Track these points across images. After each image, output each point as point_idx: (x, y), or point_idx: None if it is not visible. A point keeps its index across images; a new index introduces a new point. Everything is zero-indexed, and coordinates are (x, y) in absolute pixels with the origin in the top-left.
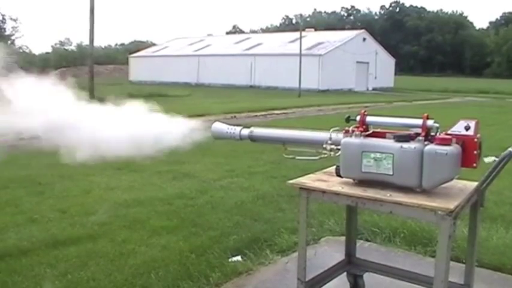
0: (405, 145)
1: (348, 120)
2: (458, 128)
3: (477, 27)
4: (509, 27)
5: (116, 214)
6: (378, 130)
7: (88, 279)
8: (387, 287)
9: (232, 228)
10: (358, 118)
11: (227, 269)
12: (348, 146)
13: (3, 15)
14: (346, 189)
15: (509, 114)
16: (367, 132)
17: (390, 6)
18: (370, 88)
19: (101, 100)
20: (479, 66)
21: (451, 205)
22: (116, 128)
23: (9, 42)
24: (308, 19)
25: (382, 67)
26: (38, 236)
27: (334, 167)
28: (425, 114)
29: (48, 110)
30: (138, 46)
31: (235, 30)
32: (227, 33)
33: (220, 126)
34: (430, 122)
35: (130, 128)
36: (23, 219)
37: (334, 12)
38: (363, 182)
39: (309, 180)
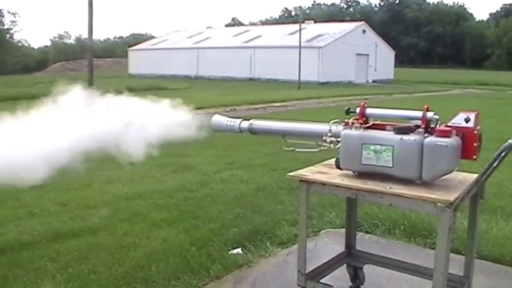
0: (405, 137)
1: (347, 112)
2: (458, 120)
3: (477, 19)
4: (510, 19)
5: (116, 207)
6: (378, 122)
7: (89, 272)
8: (387, 278)
9: (232, 221)
10: (358, 110)
11: (227, 261)
12: (348, 138)
13: (1, 10)
14: (346, 182)
15: (509, 106)
16: (367, 125)
17: None
18: (370, 80)
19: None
20: (480, 58)
21: (451, 197)
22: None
23: (7, 36)
24: (307, 11)
25: (382, 59)
26: (38, 229)
27: (334, 159)
28: (425, 106)
29: None
30: (137, 39)
31: (235, 23)
32: (226, 25)
33: (220, 119)
34: (430, 114)
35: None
36: (24, 212)
37: (333, 4)
38: (362, 174)
39: (309, 173)
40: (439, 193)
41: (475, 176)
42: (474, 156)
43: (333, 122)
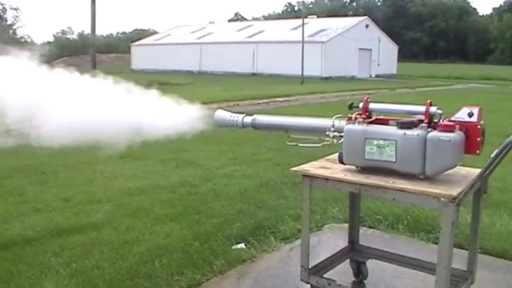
0: (408, 132)
1: (350, 107)
2: (462, 115)
3: (480, 14)
4: None
5: (120, 202)
6: (381, 117)
7: (92, 268)
8: (390, 273)
9: (235, 216)
10: (361, 105)
11: (231, 256)
12: (351, 133)
13: (3, 5)
14: (349, 176)
15: None
16: (370, 119)
17: None
18: (373, 75)
19: None
20: (483, 53)
21: (454, 192)
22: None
23: (10, 31)
24: (310, 6)
25: (385, 54)
26: (42, 224)
27: (337, 154)
28: (429, 101)
29: None
30: (140, 34)
31: (237, 18)
32: (229, 20)
33: (222, 114)
34: (433, 109)
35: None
36: (27, 208)
37: None
38: (366, 169)
39: (312, 168)
40: (442, 188)
41: (479, 170)
42: (477, 151)
43: (336, 117)
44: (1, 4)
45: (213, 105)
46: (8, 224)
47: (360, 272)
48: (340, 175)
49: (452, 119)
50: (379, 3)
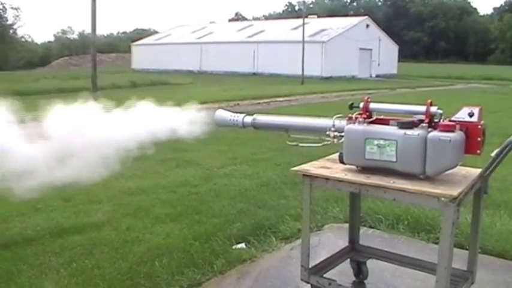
0: (409, 132)
1: (351, 107)
2: (462, 115)
3: (481, 14)
4: None
5: (120, 202)
6: (382, 117)
7: (93, 267)
8: (390, 273)
9: (236, 216)
10: (361, 105)
11: (231, 256)
12: (351, 132)
13: (3, 5)
14: (350, 176)
15: None
16: (371, 119)
17: None
18: (374, 75)
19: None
20: (483, 53)
21: (455, 192)
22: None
23: (11, 31)
24: (311, 6)
25: (386, 54)
26: (42, 224)
27: (338, 153)
28: (429, 101)
29: None
30: (140, 34)
31: (238, 18)
32: (229, 20)
33: (223, 114)
34: (433, 109)
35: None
36: (27, 208)
37: None
38: (366, 169)
39: (312, 167)
40: (443, 188)
41: (479, 170)
42: (478, 151)
43: (337, 117)
44: (1, 3)
45: (213, 105)
46: (8, 224)
47: (360, 271)
48: (341, 175)
49: (453, 119)
50: (379, 3)
